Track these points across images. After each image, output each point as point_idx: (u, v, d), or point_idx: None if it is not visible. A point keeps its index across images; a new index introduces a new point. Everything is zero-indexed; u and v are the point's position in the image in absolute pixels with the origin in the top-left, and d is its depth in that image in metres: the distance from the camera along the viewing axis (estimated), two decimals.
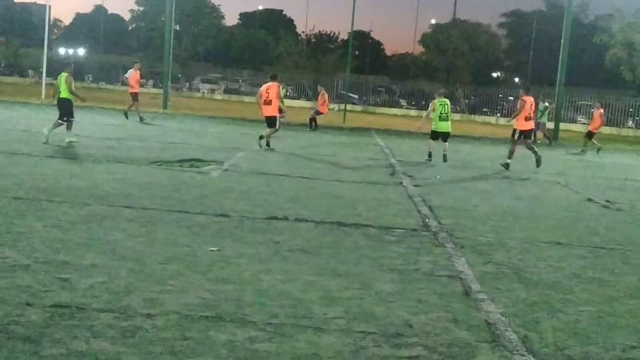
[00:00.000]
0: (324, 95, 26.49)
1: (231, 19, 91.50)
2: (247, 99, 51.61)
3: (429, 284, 5.85)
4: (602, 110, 24.92)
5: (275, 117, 16.88)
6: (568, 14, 31.74)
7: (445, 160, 16.36)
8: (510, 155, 16.11)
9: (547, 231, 8.76)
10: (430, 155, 16.74)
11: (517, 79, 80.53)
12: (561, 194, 12.62)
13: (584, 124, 42.93)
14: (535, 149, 16.40)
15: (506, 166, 15.94)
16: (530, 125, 16.48)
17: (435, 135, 17.04)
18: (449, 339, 4.60)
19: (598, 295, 5.96)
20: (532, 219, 9.60)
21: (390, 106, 56.26)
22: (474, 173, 15.32)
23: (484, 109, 56.24)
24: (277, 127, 16.97)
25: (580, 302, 5.69)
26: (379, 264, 6.39)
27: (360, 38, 77.60)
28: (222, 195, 9.57)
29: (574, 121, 45.27)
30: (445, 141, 16.89)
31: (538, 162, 16.11)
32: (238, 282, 5.49)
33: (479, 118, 51.53)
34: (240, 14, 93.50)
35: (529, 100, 16.12)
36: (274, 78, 17.45)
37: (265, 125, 17.03)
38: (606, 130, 41.52)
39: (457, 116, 48.18)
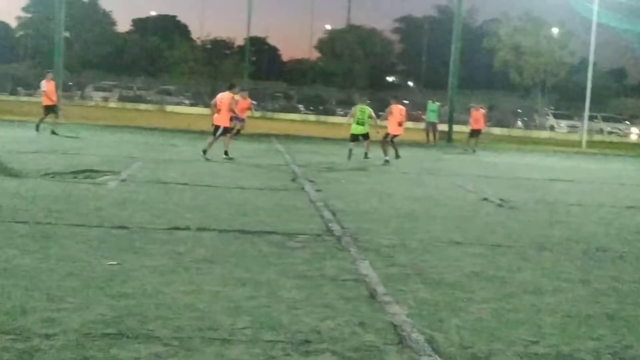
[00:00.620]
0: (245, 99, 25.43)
1: (123, 25, 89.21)
2: (142, 106, 50.55)
3: (334, 289, 5.85)
4: (484, 111, 26.17)
5: (219, 126, 16.86)
6: (458, 19, 32.76)
7: (365, 157, 18.32)
8: (385, 154, 18.42)
9: (445, 231, 8.97)
10: (350, 154, 18.30)
11: (411, 83, 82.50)
12: (457, 194, 12.96)
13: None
14: (397, 153, 18.88)
15: (386, 162, 18.08)
16: (400, 130, 18.98)
17: (354, 138, 18.60)
18: (357, 343, 4.61)
19: (498, 292, 6.13)
20: (431, 220, 9.81)
21: (289, 112, 56.41)
22: (374, 176, 15.54)
23: (380, 113, 57.21)
24: (216, 136, 16.90)
25: (482, 300, 5.83)
26: (284, 271, 6.35)
27: (257, 44, 77.49)
28: (120, 207, 9.30)
29: (466, 123, 46.64)
30: (366, 140, 18.52)
31: (386, 162, 18.16)
32: (140, 296, 5.33)
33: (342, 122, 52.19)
34: (133, 20, 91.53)
35: (396, 108, 19.05)
36: (230, 88, 17.57)
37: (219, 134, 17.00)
38: (497, 130, 43.18)
39: None
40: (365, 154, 18.41)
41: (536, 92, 56.14)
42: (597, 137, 43.84)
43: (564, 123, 48.52)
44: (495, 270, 6.93)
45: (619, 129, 49.87)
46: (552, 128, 48.42)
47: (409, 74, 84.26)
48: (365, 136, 18.46)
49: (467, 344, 4.74)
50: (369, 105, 19.46)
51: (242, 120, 22.94)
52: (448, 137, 30.81)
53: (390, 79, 75.67)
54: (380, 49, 60.23)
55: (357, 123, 18.38)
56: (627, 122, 54.44)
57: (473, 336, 4.91)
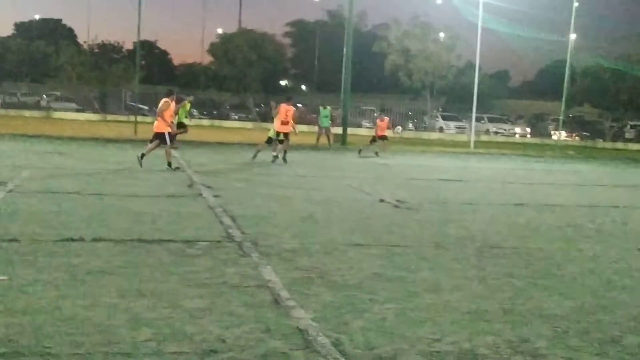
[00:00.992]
0: (185, 106, 24.44)
1: (5, 29, 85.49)
2: (27, 113, 48.49)
3: (238, 296, 5.79)
4: (387, 119, 26.89)
5: (163, 133, 16.34)
6: (349, 24, 33.19)
7: (282, 158, 19.49)
8: (274, 151, 19.59)
9: (345, 233, 9.05)
10: (275, 157, 19.38)
11: (304, 87, 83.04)
12: (355, 196, 13.12)
13: (369, 127, 45.18)
14: (284, 155, 19.59)
15: (275, 158, 19.23)
16: (288, 128, 19.81)
17: (270, 140, 20.02)
18: (264, 349, 4.57)
19: (399, 292, 6.23)
20: (330, 222, 9.88)
21: None
22: (271, 180, 15.50)
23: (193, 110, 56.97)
24: (168, 143, 16.44)
25: (384, 300, 5.91)
26: (185, 280, 6.23)
27: (147, 47, 76.01)
28: (9, 219, 8.86)
29: (359, 126, 47.34)
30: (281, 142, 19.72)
31: (273, 159, 19.20)
32: (35, 312, 5.09)
33: (270, 125, 52.28)
34: (16, 24, 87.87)
35: (284, 107, 19.77)
36: (168, 94, 17.11)
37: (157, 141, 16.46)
38: (389, 133, 44.03)
39: (249, 124, 48.72)
40: (281, 155, 19.62)
41: (426, 94, 57.62)
42: (484, 138, 45.45)
43: (452, 124, 50.07)
44: (396, 271, 7.05)
45: (504, 129, 51.88)
46: (441, 129, 49.85)
47: (302, 77, 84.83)
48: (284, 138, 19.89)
49: (373, 345, 4.79)
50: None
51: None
52: (342, 140, 31.15)
53: (283, 82, 75.84)
54: (272, 53, 60.12)
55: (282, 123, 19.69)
56: (510, 122, 56.71)
57: (378, 337, 4.96)
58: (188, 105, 24.75)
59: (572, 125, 52.26)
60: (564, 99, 36.95)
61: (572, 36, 41.54)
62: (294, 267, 6.93)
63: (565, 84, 36.33)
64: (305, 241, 8.33)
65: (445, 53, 54.75)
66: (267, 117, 50.44)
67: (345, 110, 33.32)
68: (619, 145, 46.30)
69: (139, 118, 33.05)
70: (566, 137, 45.09)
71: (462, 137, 43.00)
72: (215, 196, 11.93)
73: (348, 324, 5.21)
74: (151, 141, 16.58)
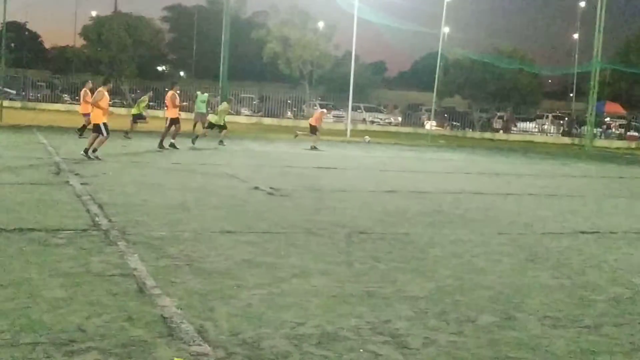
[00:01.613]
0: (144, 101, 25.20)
1: None
2: None
3: (101, 285, 5.65)
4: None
5: (99, 124, 15.83)
6: (227, 10, 32.92)
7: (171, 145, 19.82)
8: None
9: (217, 220, 9.01)
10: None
11: (182, 73, 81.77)
12: (229, 184, 13.08)
13: (248, 115, 45.09)
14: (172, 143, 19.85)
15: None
16: (169, 114, 20.47)
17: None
18: (125, 338, 4.49)
19: (267, 277, 6.28)
20: (203, 210, 9.81)
21: (53, 101, 53.36)
22: (145, 168, 15.20)
23: (151, 103, 56.02)
24: (104, 134, 15.87)
25: (252, 286, 5.94)
26: (47, 269, 6.02)
27: (16, 29, 72.48)
28: None
29: (238, 113, 47.08)
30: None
31: (160, 145, 19.54)
32: None
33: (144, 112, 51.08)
34: None
35: (171, 94, 20.42)
36: (104, 82, 16.50)
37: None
38: (267, 120, 44.17)
39: (123, 110, 47.41)
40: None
41: (304, 83, 58.03)
42: (361, 127, 46.35)
43: (330, 113, 50.70)
44: (265, 257, 7.09)
45: (380, 119, 53.09)
46: (214, 111, 50.25)
47: (179, 63, 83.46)
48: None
49: (237, 330, 4.81)
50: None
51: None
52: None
53: (160, 68, 74.34)
54: (149, 38, 58.76)
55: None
56: (385, 111, 58.07)
57: (243, 322, 4.99)
58: (147, 101, 26.16)
59: (444, 115, 54.09)
60: (435, 90, 38.20)
61: (444, 29, 42.96)
62: (162, 255, 6.84)
63: (437, 76, 37.54)
64: (175, 229, 8.23)
65: (323, 42, 55.34)
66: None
67: (223, 98, 33.03)
68: (487, 135, 48.39)
69: (6, 103, 31.46)
70: (437, 127, 46.61)
71: (340, 126, 43.65)
72: (83, 184, 11.57)
73: (214, 311, 5.21)
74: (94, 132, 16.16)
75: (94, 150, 15.77)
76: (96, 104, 15.87)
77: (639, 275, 7.45)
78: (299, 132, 27.87)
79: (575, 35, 70.95)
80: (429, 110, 44.65)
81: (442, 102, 58.90)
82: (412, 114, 57.81)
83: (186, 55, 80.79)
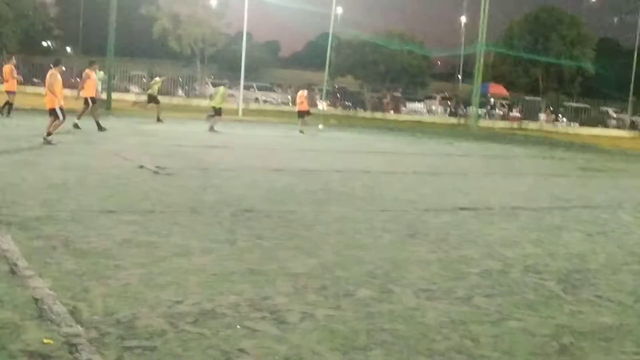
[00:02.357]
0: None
1: None
2: None
3: None
4: (305, 92, 26.65)
5: (54, 108, 15.18)
6: None
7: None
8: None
9: (98, 200, 8.79)
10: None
11: (69, 49, 78.85)
12: (114, 163, 12.75)
13: (138, 93, 44.01)
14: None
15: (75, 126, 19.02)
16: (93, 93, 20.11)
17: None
18: None
19: (147, 257, 6.18)
20: (84, 189, 9.54)
21: None
22: (24, 146, 14.59)
23: (35, 79, 53.77)
24: (60, 117, 15.28)
25: (131, 266, 5.84)
26: None
27: None
28: None
29: (127, 91, 45.92)
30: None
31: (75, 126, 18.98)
32: None
33: (30, 89, 48.97)
34: None
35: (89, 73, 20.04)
36: (56, 63, 15.70)
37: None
38: (163, 99, 43.24)
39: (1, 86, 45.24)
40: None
41: (196, 61, 57.15)
42: (253, 106, 46.12)
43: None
44: (147, 236, 6.98)
45: (273, 98, 53.00)
46: (211, 97, 49.73)
47: (66, 39, 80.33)
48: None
49: (112, 310, 4.73)
50: None
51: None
52: (107, 105, 30.06)
53: (45, 43, 71.36)
54: (32, 11, 56.26)
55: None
56: (279, 90, 58.02)
57: (119, 302, 4.90)
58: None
59: (336, 95, 54.59)
60: (327, 70, 38.48)
61: (337, 10, 43.33)
62: (37, 236, 6.61)
63: (329, 56, 37.81)
64: (53, 209, 7.97)
65: (215, 20, 54.58)
66: (27, 80, 47.21)
67: (110, 75, 32.12)
68: (378, 115, 49.19)
69: None
70: (329, 106, 47.03)
71: (232, 105, 43.28)
72: None
73: (89, 291, 5.09)
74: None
75: (49, 134, 15.12)
76: (51, 89, 15.29)
77: (511, 249, 7.80)
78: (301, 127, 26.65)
79: (463, 18, 73.07)
80: (321, 90, 44.88)
81: (335, 82, 59.45)
82: (310, 93, 58.04)
83: (73, 31, 77.87)
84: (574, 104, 54.32)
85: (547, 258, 7.48)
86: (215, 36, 55.24)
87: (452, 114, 53.89)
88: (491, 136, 34.61)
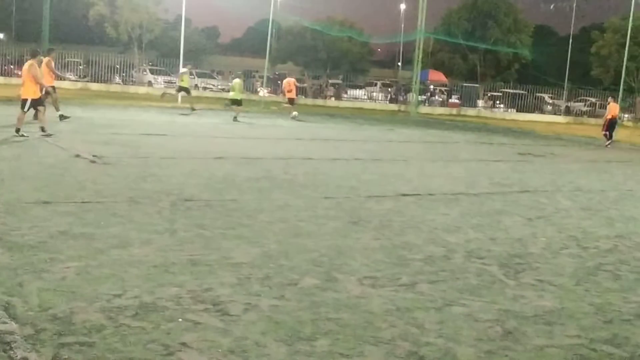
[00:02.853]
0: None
1: None
2: None
3: None
4: (291, 80, 26.77)
5: (26, 99, 14.84)
6: None
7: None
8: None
9: (32, 191, 8.50)
10: None
11: (1, 35, 76.50)
12: (49, 152, 12.38)
13: (75, 81, 42.95)
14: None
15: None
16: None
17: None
18: None
19: (85, 249, 5.99)
20: (18, 180, 9.22)
21: None
22: None
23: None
24: (26, 110, 14.77)
25: (67, 259, 5.65)
26: None
27: None
28: None
29: (63, 79, 44.66)
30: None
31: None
32: None
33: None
34: None
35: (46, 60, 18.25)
36: (33, 55, 15.26)
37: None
38: (94, 86, 42.33)
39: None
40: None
41: (133, 47, 56.01)
42: (193, 93, 45.43)
43: (161, 79, 49.31)
44: (84, 228, 6.77)
45: (213, 85, 52.37)
46: (150, 84, 48.90)
47: None
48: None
49: (48, 305, 4.56)
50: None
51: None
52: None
53: None
54: None
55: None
56: (220, 77, 57.38)
57: (55, 297, 4.73)
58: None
59: (277, 82, 54.29)
60: (267, 56, 38.22)
61: None
62: None
63: (269, 42, 37.55)
64: None
65: (152, 5, 53.53)
66: None
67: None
68: (319, 102, 49.14)
69: None
70: (270, 93, 46.73)
71: (171, 92, 42.58)
72: None
73: (23, 286, 4.90)
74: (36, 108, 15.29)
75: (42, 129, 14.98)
76: (31, 79, 14.87)
77: (453, 234, 7.85)
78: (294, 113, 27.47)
79: (402, 6, 73.43)
80: (262, 77, 44.56)
81: (275, 68, 59.07)
82: (245, 81, 57.56)
83: (5, 17, 75.44)
84: (511, 90, 55.26)
85: (489, 243, 7.55)
86: (152, 22, 54.16)
87: (393, 100, 54.17)
88: (431, 122, 34.91)
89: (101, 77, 46.73)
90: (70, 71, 48.35)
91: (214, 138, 17.85)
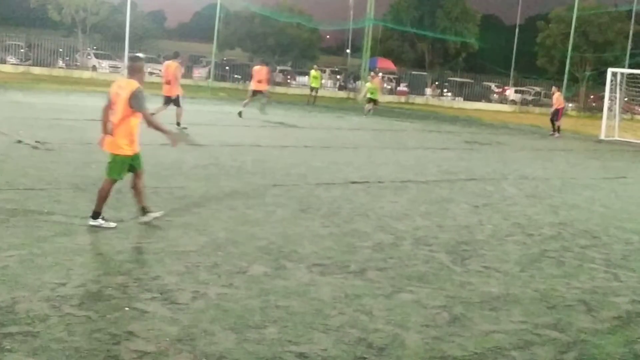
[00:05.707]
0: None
1: None
2: None
3: None
4: (263, 67, 24.59)
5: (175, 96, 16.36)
6: None
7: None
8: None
9: None
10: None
11: None
12: None
13: (15, 64, 41.89)
14: None
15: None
16: None
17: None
18: None
19: (27, 237, 5.85)
20: None
21: None
22: None
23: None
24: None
25: (9, 248, 5.52)
26: None
27: None
28: None
29: (3, 62, 43.53)
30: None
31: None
32: None
33: None
34: None
35: None
36: (175, 56, 16.65)
37: None
38: (37, 70, 41.34)
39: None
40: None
41: (77, 31, 54.83)
42: None
43: (105, 63, 48.40)
44: (26, 215, 6.61)
45: (159, 70, 51.61)
46: (94, 68, 47.98)
47: None
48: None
49: None
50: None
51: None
52: None
53: None
54: None
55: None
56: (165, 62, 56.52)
57: None
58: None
59: (225, 68, 53.83)
60: (215, 42, 37.83)
61: None
62: None
63: (217, 28, 37.16)
64: None
65: None
66: None
67: None
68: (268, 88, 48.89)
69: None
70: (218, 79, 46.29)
71: (116, 77, 41.89)
72: None
73: None
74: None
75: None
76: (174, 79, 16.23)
77: (402, 222, 7.90)
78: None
79: None
80: (210, 63, 44.10)
81: (223, 54, 58.53)
82: (192, 66, 56.85)
83: None
84: (459, 79, 55.85)
85: (437, 230, 7.63)
86: (97, 5, 53.10)
87: (342, 87, 54.25)
88: (380, 110, 35.08)
89: (44, 60, 45.63)
90: (11, 54, 47.15)
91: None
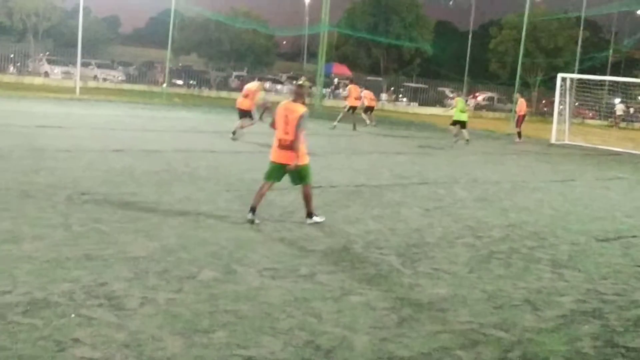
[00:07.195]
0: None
1: None
2: None
3: None
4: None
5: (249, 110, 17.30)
6: None
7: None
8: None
9: None
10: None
11: None
12: None
13: None
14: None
15: None
16: None
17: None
18: None
19: None
20: None
21: None
22: None
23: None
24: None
25: None
26: None
27: None
28: None
29: None
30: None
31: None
32: None
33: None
34: None
35: None
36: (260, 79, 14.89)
37: None
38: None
39: None
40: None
41: (29, 36, 53.96)
42: (92, 84, 44.23)
43: (58, 69, 47.69)
44: None
45: (113, 76, 51.07)
46: (46, 74, 47.25)
47: None
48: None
49: None
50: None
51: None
52: None
53: None
54: None
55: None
56: (120, 68, 56.00)
57: None
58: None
59: (180, 73, 53.49)
60: (169, 47, 37.56)
61: None
62: None
63: (171, 33, 36.92)
64: None
65: None
66: None
67: None
68: (224, 94, 48.71)
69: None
70: (173, 85, 45.97)
71: (69, 83, 41.30)
72: None
73: None
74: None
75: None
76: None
77: (353, 225, 7.97)
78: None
79: None
80: (164, 69, 43.75)
81: (179, 60, 58.14)
82: (147, 72, 56.35)
83: None
84: (413, 84, 56.35)
85: (388, 233, 7.70)
86: (49, 10, 52.31)
87: None
88: (335, 115, 35.21)
89: None
90: None
91: (113, 130, 17.42)
